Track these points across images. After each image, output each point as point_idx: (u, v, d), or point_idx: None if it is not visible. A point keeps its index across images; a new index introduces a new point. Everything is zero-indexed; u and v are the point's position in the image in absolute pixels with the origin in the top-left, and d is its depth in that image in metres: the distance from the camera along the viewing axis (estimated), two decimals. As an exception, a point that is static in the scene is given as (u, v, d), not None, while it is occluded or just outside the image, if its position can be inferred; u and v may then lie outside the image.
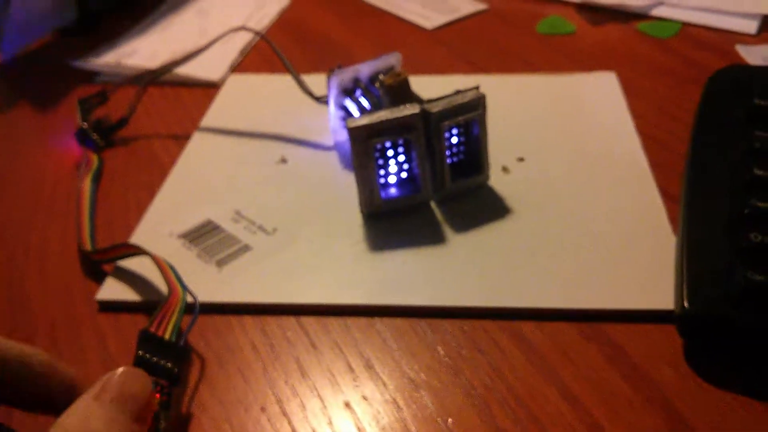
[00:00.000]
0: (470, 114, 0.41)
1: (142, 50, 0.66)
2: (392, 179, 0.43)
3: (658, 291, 0.36)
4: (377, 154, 0.41)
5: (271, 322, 0.37)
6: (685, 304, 0.33)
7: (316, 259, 0.40)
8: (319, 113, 0.51)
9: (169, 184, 0.47)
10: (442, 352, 0.35)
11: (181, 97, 0.59)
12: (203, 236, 0.42)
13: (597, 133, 0.48)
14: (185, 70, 0.61)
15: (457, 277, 0.38)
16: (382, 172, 0.42)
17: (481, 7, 0.69)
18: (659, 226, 0.40)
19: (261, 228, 0.43)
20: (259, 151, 0.50)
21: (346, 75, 0.47)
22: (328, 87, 0.47)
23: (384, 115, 0.40)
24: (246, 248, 0.41)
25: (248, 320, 0.37)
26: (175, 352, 0.32)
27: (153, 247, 0.40)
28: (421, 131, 0.40)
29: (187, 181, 0.48)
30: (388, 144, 0.41)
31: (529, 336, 0.35)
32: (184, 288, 0.35)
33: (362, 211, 0.43)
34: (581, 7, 0.68)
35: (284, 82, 0.55)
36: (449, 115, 0.41)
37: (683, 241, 0.36)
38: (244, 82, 0.59)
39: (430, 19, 0.67)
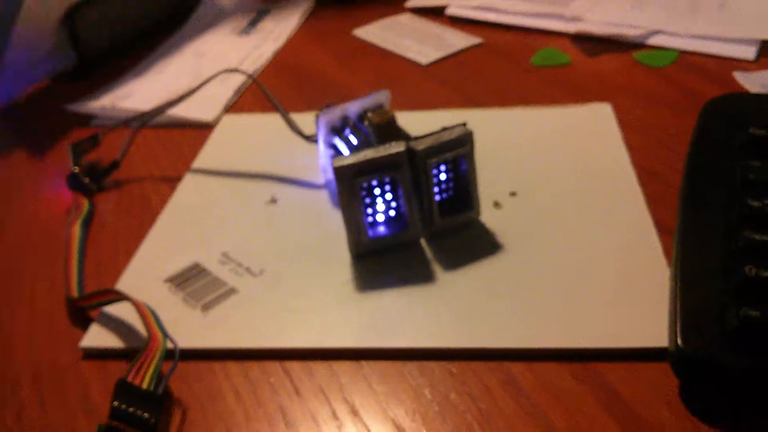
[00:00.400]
0: (457, 150, 0.41)
1: (138, 93, 0.66)
2: (380, 217, 0.42)
3: (653, 328, 0.35)
4: (364, 193, 0.41)
5: (255, 367, 0.36)
6: (679, 342, 0.32)
7: (302, 301, 0.39)
8: (310, 152, 0.51)
9: (158, 227, 0.47)
10: (429, 396, 0.34)
11: (175, 139, 0.59)
12: (190, 280, 0.42)
13: (591, 167, 0.48)
14: (179, 112, 0.61)
15: (446, 318, 0.37)
16: (369, 210, 0.42)
17: (475, 41, 0.69)
18: (654, 261, 0.39)
19: (248, 270, 0.42)
20: (249, 191, 0.49)
21: (335, 114, 0.47)
22: (317, 126, 0.47)
23: (369, 153, 0.40)
24: (232, 291, 0.41)
25: (232, 366, 0.36)
26: (152, 402, 0.31)
27: (139, 292, 0.39)
28: (407, 169, 0.40)
29: (176, 224, 0.47)
30: (374, 182, 0.41)
31: (519, 378, 0.34)
32: (165, 334, 0.34)
33: (351, 251, 0.42)
34: (576, 38, 0.68)
35: (276, 121, 0.55)
36: (436, 152, 0.40)
37: (677, 275, 0.35)
38: (237, 123, 0.59)
39: (425, 54, 0.67)
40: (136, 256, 0.45)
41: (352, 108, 0.47)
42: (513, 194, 0.46)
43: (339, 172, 0.39)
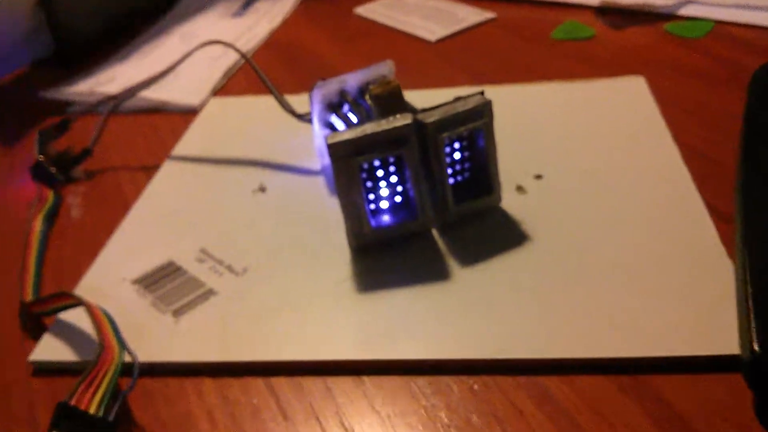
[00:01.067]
0: (474, 123, 0.34)
1: (121, 78, 0.60)
2: (384, 204, 0.36)
3: (717, 332, 0.28)
4: (364, 175, 0.35)
5: (234, 385, 0.30)
6: (755, 347, 0.26)
7: (292, 305, 0.33)
8: (305, 135, 0.45)
9: (129, 220, 0.41)
10: (446, 420, 0.27)
11: (156, 125, 0.53)
12: (161, 280, 0.36)
13: (628, 145, 0.41)
14: (162, 96, 0.55)
15: (464, 323, 0.31)
16: (371, 196, 0.35)
17: (488, 15, 0.63)
18: (711, 252, 0.33)
19: (229, 268, 0.36)
20: (235, 179, 0.43)
21: (331, 88, 0.40)
22: (311, 102, 0.41)
23: (370, 128, 0.33)
24: (210, 293, 0.34)
25: (207, 383, 0.30)
26: (101, 430, 0.25)
27: (102, 295, 0.33)
28: (416, 146, 0.34)
29: (150, 217, 0.41)
30: (376, 162, 0.34)
31: (556, 394, 0.28)
32: (122, 345, 0.28)
33: (350, 244, 0.36)
34: (600, 11, 0.61)
35: (268, 103, 0.49)
36: (448, 126, 0.34)
37: (745, 269, 0.29)
38: (225, 106, 0.53)
39: (432, 31, 0.61)
40: (102, 253, 0.38)
41: (351, 81, 0.41)
42: (538, 177, 0.39)
43: (334, 150, 0.33)
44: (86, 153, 0.47)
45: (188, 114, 0.53)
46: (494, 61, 0.55)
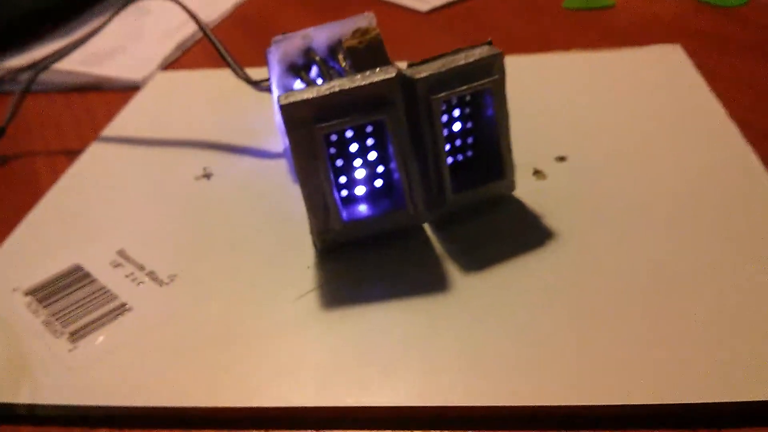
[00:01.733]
0: (480, 82, 0.25)
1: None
2: (360, 190, 0.27)
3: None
4: (333, 150, 0.26)
5: (141, 442, 0.21)
6: None
7: (231, 328, 0.24)
8: (266, 112, 0.36)
9: (35, 214, 0.32)
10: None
11: (91, 103, 0.44)
12: (61, 291, 0.27)
13: (670, 122, 0.33)
14: (101, 71, 0.46)
15: (464, 355, 0.22)
16: (342, 179, 0.26)
17: (490, -16, 0.54)
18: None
19: (151, 275, 0.27)
20: (175, 164, 0.34)
21: (293, 44, 0.31)
22: (268, 64, 0.32)
23: (339, 84, 0.24)
24: (121, 310, 0.25)
25: (102, 439, 0.21)
26: None
27: None
28: (401, 110, 0.25)
29: (61, 210, 0.32)
30: (349, 133, 0.25)
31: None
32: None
33: (315, 244, 0.27)
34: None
35: (223, 76, 0.40)
36: (445, 84, 0.25)
37: None
38: (173, 80, 0.44)
39: (425, 1, 0.52)
40: (-7, 256, 0.29)
41: (319, 36, 0.32)
42: (561, 159, 0.31)
43: (288, 113, 0.24)
44: (-3, 133, 0.38)
45: (130, 91, 0.44)
46: (498, 33, 0.47)
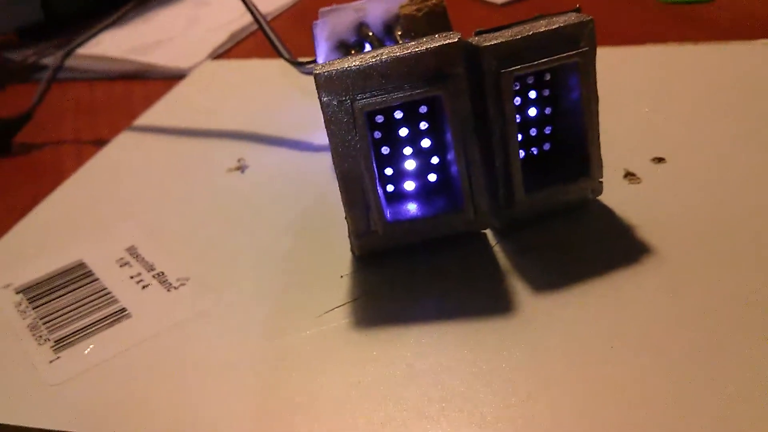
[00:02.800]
0: (563, 55, 0.20)
1: (107, 42, 0.49)
2: (409, 185, 0.22)
3: None
4: (378, 134, 0.21)
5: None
6: None
7: (240, 346, 0.20)
8: (313, 102, 0.31)
9: (48, 204, 0.28)
10: None
11: (132, 91, 0.41)
12: (57, 290, 0.23)
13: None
14: (147, 58, 0.43)
15: (525, 401, 0.17)
16: (389, 171, 0.22)
17: (574, -23, 0.49)
18: None
19: (160, 277, 0.23)
20: (208, 154, 0.30)
21: (344, 19, 0.27)
22: (315, 41, 0.27)
23: (389, 51, 0.20)
24: (119, 316, 0.21)
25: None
26: None
27: None
28: (463, 85, 0.20)
29: (75, 201, 0.28)
30: (398, 113, 0.21)
31: None
32: None
33: (353, 249, 0.22)
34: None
35: (273, 66, 0.36)
36: (519, 57, 0.20)
37: None
38: (220, 69, 0.41)
39: (502, -8, 0.47)
40: (-5, 246, 0.26)
41: (375, 9, 0.27)
42: (659, 160, 0.25)
43: (324, 85, 0.20)
44: (26, 118, 0.35)
45: (176, 80, 0.41)
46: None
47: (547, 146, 0.23)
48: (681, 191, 0.23)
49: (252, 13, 0.31)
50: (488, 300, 0.20)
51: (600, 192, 0.23)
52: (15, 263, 0.25)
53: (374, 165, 0.20)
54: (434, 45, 0.19)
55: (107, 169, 0.31)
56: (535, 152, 0.23)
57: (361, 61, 0.20)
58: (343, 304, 0.20)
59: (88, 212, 0.27)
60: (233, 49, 0.46)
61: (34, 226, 0.27)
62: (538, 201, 0.22)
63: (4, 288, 0.23)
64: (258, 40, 0.47)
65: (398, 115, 0.21)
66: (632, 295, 0.19)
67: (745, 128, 0.26)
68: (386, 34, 0.28)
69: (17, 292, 0.23)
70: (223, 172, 0.29)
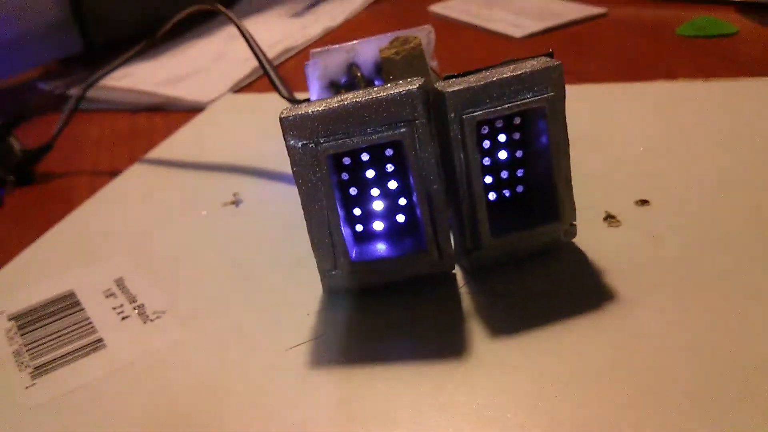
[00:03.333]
0: (526, 99, 0.20)
1: (137, 75, 0.51)
2: (378, 225, 0.22)
3: None
4: (346, 176, 0.22)
5: None
6: None
7: (202, 377, 0.20)
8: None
9: (52, 234, 0.30)
10: None
11: (153, 123, 0.42)
12: (45, 319, 0.24)
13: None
14: (170, 91, 0.45)
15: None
16: (357, 211, 0.22)
17: (596, 11, 0.49)
18: None
19: (140, 309, 0.23)
20: (208, 188, 0.31)
21: (335, 59, 0.28)
22: (307, 79, 0.28)
23: (352, 96, 0.20)
24: (96, 345, 0.22)
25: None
26: None
27: None
28: (424, 129, 0.20)
29: (79, 230, 0.30)
30: (365, 155, 0.21)
31: None
32: None
33: (323, 286, 0.23)
34: (745, 6, 0.46)
35: (285, 102, 0.37)
36: (483, 101, 0.20)
37: None
38: (237, 103, 0.42)
39: (520, 26, 0.48)
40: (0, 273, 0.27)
41: (365, 51, 0.28)
42: (643, 203, 0.25)
43: (289, 129, 0.20)
44: (45, 149, 0.37)
45: (197, 112, 0.42)
46: (598, 60, 0.41)
47: (520, 188, 0.23)
48: (662, 236, 0.23)
49: (252, 49, 0.32)
50: (445, 341, 0.20)
51: (573, 235, 0.23)
52: (13, 290, 0.26)
53: (338, 205, 0.21)
54: (393, 92, 0.20)
55: (113, 200, 0.32)
56: (507, 194, 0.23)
57: (325, 106, 0.20)
58: (308, 339, 0.21)
59: (88, 243, 0.28)
60: (254, 83, 0.47)
61: (36, 254, 0.28)
62: (507, 243, 0.22)
63: (-1, 314, 0.25)
64: (288, 74, 0.48)
65: (365, 157, 0.21)
66: (595, 344, 0.19)
67: (741, 172, 0.26)
68: (377, 74, 0.28)
69: (9, 319, 0.24)
70: (218, 205, 0.30)
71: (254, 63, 0.49)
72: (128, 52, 0.36)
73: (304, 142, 0.20)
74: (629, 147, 0.29)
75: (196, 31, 0.61)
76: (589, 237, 0.23)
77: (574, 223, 0.22)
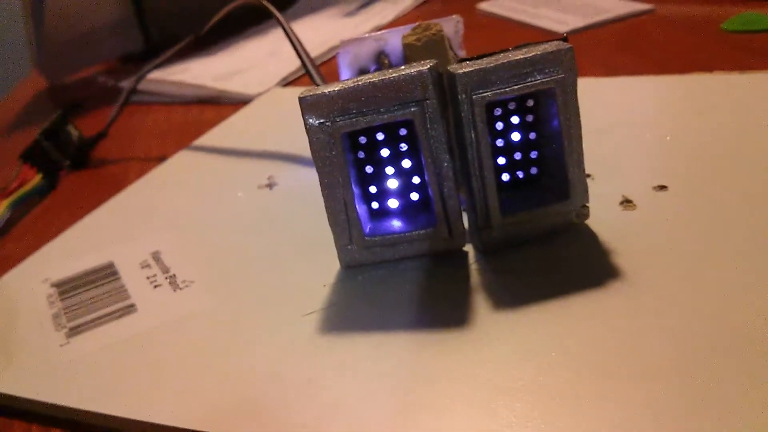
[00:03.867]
0: (535, 81, 0.21)
1: (194, 69, 0.53)
2: (393, 203, 0.23)
3: None
4: (362, 154, 0.23)
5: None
6: None
7: (222, 341, 0.21)
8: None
9: (98, 213, 0.32)
10: None
11: (204, 114, 0.44)
12: (84, 286, 0.26)
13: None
14: (223, 85, 0.47)
15: (472, 407, 0.17)
16: (373, 189, 0.23)
17: (642, 7, 0.48)
18: None
19: (171, 279, 0.25)
20: (245, 172, 0.33)
21: (364, 48, 0.29)
22: (339, 68, 0.29)
23: (368, 77, 0.21)
24: (128, 310, 0.24)
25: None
26: None
27: (9, 298, 0.25)
28: (434, 109, 0.21)
29: (123, 210, 0.32)
30: (380, 135, 0.22)
31: None
32: None
33: (339, 260, 0.24)
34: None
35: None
36: (494, 83, 0.21)
37: None
38: (283, 96, 0.43)
39: (565, 23, 0.48)
40: (46, 247, 0.29)
41: (394, 39, 0.29)
42: (660, 188, 0.25)
43: (306, 110, 0.21)
44: (99, 137, 0.39)
45: (245, 105, 0.44)
46: (641, 54, 0.41)
47: (534, 170, 0.23)
48: (677, 221, 0.23)
49: (291, 42, 0.34)
50: (450, 312, 0.21)
51: (586, 216, 0.23)
52: (58, 261, 0.28)
53: (353, 182, 0.22)
54: (404, 73, 0.21)
55: (157, 183, 0.34)
56: (521, 176, 0.24)
57: (341, 86, 0.21)
58: (322, 307, 0.22)
59: (130, 220, 0.30)
60: (302, 78, 0.49)
61: (82, 230, 0.30)
62: (517, 222, 0.22)
63: (43, 282, 0.26)
64: (325, 69, 0.49)
65: (380, 136, 0.22)
66: (591, 319, 0.19)
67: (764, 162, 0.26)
68: (404, 62, 0.29)
69: (52, 286, 0.26)
70: (254, 188, 0.31)
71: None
72: (175, 47, 0.38)
73: (321, 120, 0.21)
74: (656, 135, 0.29)
75: (252, 30, 0.63)
76: (603, 220, 0.23)
77: (587, 204, 0.23)
